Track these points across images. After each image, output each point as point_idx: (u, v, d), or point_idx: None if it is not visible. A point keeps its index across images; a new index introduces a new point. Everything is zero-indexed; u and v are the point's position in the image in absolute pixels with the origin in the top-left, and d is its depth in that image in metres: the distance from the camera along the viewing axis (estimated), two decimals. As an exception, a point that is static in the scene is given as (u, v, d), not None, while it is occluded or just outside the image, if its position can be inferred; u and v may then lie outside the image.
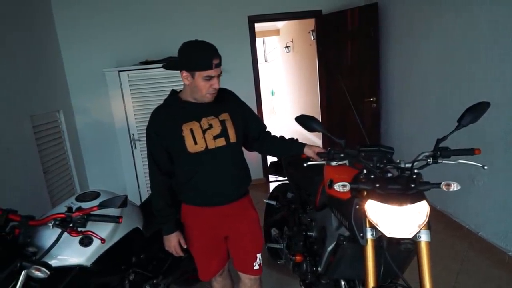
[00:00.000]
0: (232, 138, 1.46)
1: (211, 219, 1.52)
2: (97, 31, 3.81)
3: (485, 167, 1.17)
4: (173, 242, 1.50)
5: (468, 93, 2.56)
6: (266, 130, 1.69)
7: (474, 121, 1.18)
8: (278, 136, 1.68)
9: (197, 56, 1.34)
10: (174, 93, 1.53)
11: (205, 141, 1.42)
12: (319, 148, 1.52)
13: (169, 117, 1.45)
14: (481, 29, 2.37)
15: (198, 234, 1.55)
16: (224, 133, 1.45)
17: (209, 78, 1.35)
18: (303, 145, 1.58)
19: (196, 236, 1.55)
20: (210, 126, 1.43)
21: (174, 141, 1.43)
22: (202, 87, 1.36)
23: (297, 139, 1.63)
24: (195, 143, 1.41)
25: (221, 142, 1.44)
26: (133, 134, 3.52)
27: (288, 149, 1.62)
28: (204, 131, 1.42)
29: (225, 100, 1.53)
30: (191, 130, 1.41)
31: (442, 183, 1.11)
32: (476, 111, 1.17)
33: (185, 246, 1.52)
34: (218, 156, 1.45)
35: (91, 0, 3.72)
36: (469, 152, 1.21)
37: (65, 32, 3.74)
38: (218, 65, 1.36)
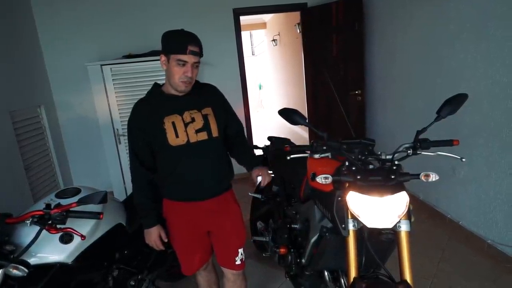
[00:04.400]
0: (214, 132, 1.46)
1: (192, 214, 1.51)
2: (79, 24, 3.70)
3: (463, 160, 1.19)
4: (153, 236, 1.48)
5: (449, 85, 2.60)
6: (241, 131, 1.69)
7: (452, 113, 1.20)
8: (246, 145, 1.69)
9: (173, 39, 1.36)
10: (156, 86, 1.51)
11: (187, 135, 1.41)
12: (261, 172, 1.58)
13: (150, 110, 1.43)
14: (462, 22, 2.41)
15: (180, 229, 1.54)
16: (206, 127, 1.44)
17: (183, 63, 1.34)
18: (251, 167, 1.61)
19: (178, 231, 1.55)
20: (193, 120, 1.43)
21: (156, 134, 1.41)
22: (175, 72, 1.35)
23: (256, 157, 1.69)
24: (177, 136, 1.40)
25: (203, 136, 1.44)
26: (117, 129, 3.47)
27: (244, 163, 1.65)
28: (186, 125, 1.42)
29: (209, 95, 1.53)
30: (173, 123, 1.40)
31: (421, 173, 1.13)
32: (454, 102, 1.19)
33: (165, 240, 1.51)
34: (200, 150, 1.44)
35: (71, -9, 3.62)
36: (448, 143, 1.23)
37: (45, 25, 3.63)
38: (195, 53, 1.35)
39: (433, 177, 1.12)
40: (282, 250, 1.78)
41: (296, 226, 1.74)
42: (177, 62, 1.34)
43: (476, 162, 2.39)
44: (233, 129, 1.63)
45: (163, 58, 1.38)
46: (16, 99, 2.99)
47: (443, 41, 2.61)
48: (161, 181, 1.51)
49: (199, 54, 1.37)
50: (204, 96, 1.50)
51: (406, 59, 3.15)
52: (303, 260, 1.57)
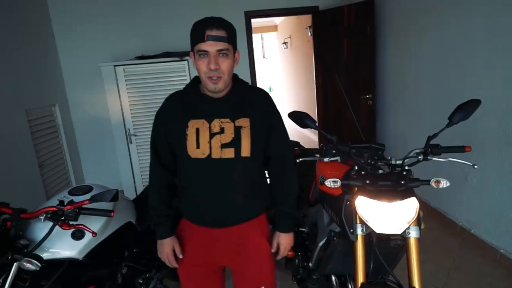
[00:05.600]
0: (245, 151, 1.16)
1: (206, 242, 1.25)
2: (94, 25, 3.78)
3: (475, 166, 1.18)
4: (166, 249, 1.25)
5: (461, 91, 2.57)
6: (282, 159, 1.30)
7: (464, 119, 1.18)
8: (283, 185, 1.31)
9: (193, 28, 1.12)
10: (195, 81, 1.25)
11: (210, 148, 1.15)
12: (283, 244, 1.29)
13: (180, 107, 1.22)
14: (477, 27, 2.38)
15: (189, 257, 1.27)
16: (235, 143, 1.16)
17: (204, 54, 1.10)
18: (276, 227, 1.30)
19: (186, 259, 1.27)
20: (221, 131, 1.16)
21: (177, 138, 1.20)
22: (199, 67, 1.12)
23: (289, 212, 1.30)
24: (197, 146, 1.16)
25: (229, 153, 1.16)
26: (128, 129, 3.51)
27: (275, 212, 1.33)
28: (212, 135, 1.15)
29: (252, 102, 1.23)
30: (197, 130, 1.16)
31: (432, 179, 1.12)
32: (467, 108, 1.18)
33: (180, 256, 1.25)
34: (221, 170, 1.17)
35: (87, -7, 3.70)
36: (460, 149, 1.22)
37: (61, 25, 3.72)
38: (216, 38, 1.07)
39: (444, 183, 1.11)
40: (290, 254, 1.77)
41: (303, 229, 1.74)
42: (198, 55, 1.11)
43: (489, 169, 2.35)
44: (272, 152, 1.27)
45: (191, 55, 1.17)
46: (31, 97, 3.07)
47: (458, 46, 2.58)
48: (179, 191, 1.29)
49: (224, 38, 1.09)
50: (246, 103, 1.21)
51: (420, 64, 3.11)
52: (310, 264, 1.57)
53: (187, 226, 1.28)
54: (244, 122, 1.17)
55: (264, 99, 1.26)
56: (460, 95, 2.57)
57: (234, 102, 1.20)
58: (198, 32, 1.09)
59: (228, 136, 1.16)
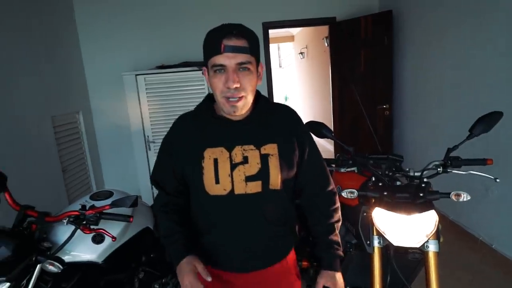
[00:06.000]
0: (274, 183, 0.97)
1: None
2: (117, 36, 3.92)
3: (497, 180, 1.15)
4: (186, 275, 0.93)
5: (482, 103, 2.50)
6: (327, 190, 1.09)
7: (486, 131, 1.16)
8: (321, 218, 1.08)
9: (207, 38, 0.93)
10: (208, 100, 1.04)
11: (232, 182, 0.95)
12: (331, 284, 1.02)
13: (192, 132, 1.02)
14: (496, 38, 2.32)
15: None
16: (263, 175, 0.96)
17: (221, 69, 0.89)
18: (321, 265, 1.06)
19: None
20: (245, 161, 0.96)
21: (190, 170, 0.99)
22: (214, 85, 0.92)
23: (334, 247, 1.06)
24: (217, 181, 0.96)
25: (256, 187, 0.96)
26: (147, 136, 3.60)
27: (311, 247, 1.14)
28: (233, 166, 0.96)
29: (278, 124, 1.02)
30: (215, 162, 0.96)
31: (452, 193, 1.10)
32: (488, 120, 1.16)
33: (208, 279, 0.92)
34: (247, 208, 0.97)
35: (111, 6, 3.85)
36: (481, 162, 1.20)
37: (86, 36, 3.87)
38: (235, 49, 0.88)
39: (465, 197, 1.09)
40: (304, 264, 1.76)
41: (319, 240, 1.72)
42: (213, 70, 0.91)
43: (510, 182, 2.26)
44: (306, 180, 1.07)
45: (205, 71, 0.97)
46: (57, 105, 3.20)
47: (479, 57, 2.53)
48: (194, 233, 1.06)
49: (246, 49, 0.89)
50: (271, 125, 1.01)
51: (439, 74, 3.06)
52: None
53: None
54: (271, 149, 0.98)
55: (291, 118, 1.06)
56: (480, 106, 2.51)
57: (258, 125, 0.99)
58: (213, 42, 0.89)
59: (254, 167, 0.96)
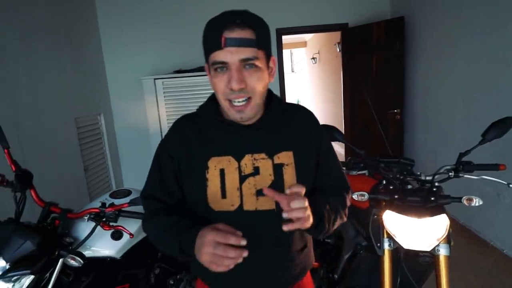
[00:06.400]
0: None
1: None
2: (137, 41, 4.05)
3: (510, 185, 1.14)
4: (206, 249, 0.69)
5: (494, 108, 2.45)
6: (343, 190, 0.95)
7: (499, 136, 1.15)
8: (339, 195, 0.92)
9: (206, 29, 0.79)
10: (212, 100, 0.89)
11: (241, 196, 0.82)
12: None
13: (194, 138, 0.88)
14: (508, 44, 2.27)
15: None
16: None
17: (222, 67, 0.76)
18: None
19: None
20: (256, 172, 0.83)
21: (192, 182, 0.86)
22: (215, 85, 0.79)
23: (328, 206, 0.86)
24: (223, 196, 0.82)
25: (268, 203, 0.82)
26: (165, 138, 3.70)
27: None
28: (243, 178, 0.82)
29: (294, 128, 0.88)
30: (221, 172, 0.83)
31: (464, 197, 1.10)
32: (502, 126, 1.15)
33: (243, 242, 0.69)
34: (259, 226, 0.83)
35: (131, 15, 3.98)
36: (494, 167, 1.18)
37: (108, 41, 4.02)
38: (238, 42, 0.73)
39: (477, 201, 1.09)
40: (314, 264, 1.77)
41: (329, 241, 1.74)
42: (214, 69, 0.78)
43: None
44: (323, 186, 0.91)
45: (206, 68, 0.84)
46: (81, 107, 3.33)
47: (491, 63, 2.47)
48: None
49: (252, 41, 0.74)
50: (286, 129, 0.87)
51: (450, 79, 3.01)
52: (335, 276, 1.56)
53: None
54: (286, 158, 0.84)
55: (308, 121, 0.91)
56: (492, 112, 2.46)
57: (271, 130, 0.85)
58: (212, 34, 0.76)
59: (266, 179, 0.82)
